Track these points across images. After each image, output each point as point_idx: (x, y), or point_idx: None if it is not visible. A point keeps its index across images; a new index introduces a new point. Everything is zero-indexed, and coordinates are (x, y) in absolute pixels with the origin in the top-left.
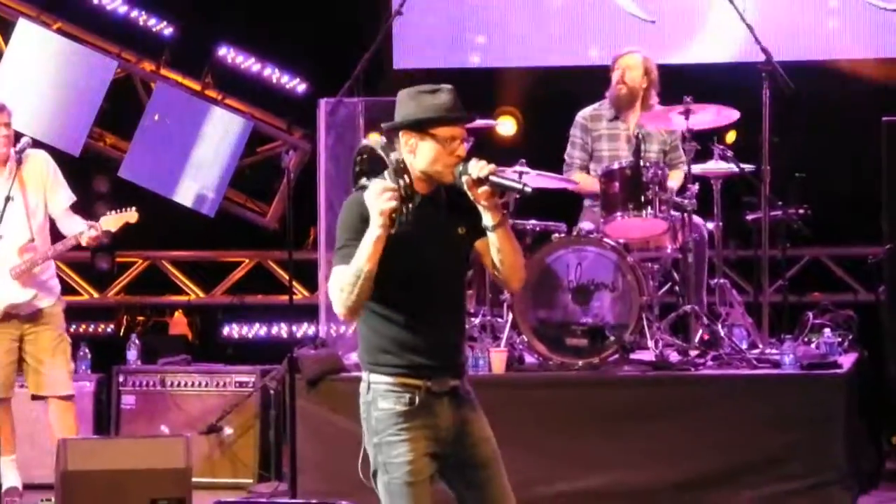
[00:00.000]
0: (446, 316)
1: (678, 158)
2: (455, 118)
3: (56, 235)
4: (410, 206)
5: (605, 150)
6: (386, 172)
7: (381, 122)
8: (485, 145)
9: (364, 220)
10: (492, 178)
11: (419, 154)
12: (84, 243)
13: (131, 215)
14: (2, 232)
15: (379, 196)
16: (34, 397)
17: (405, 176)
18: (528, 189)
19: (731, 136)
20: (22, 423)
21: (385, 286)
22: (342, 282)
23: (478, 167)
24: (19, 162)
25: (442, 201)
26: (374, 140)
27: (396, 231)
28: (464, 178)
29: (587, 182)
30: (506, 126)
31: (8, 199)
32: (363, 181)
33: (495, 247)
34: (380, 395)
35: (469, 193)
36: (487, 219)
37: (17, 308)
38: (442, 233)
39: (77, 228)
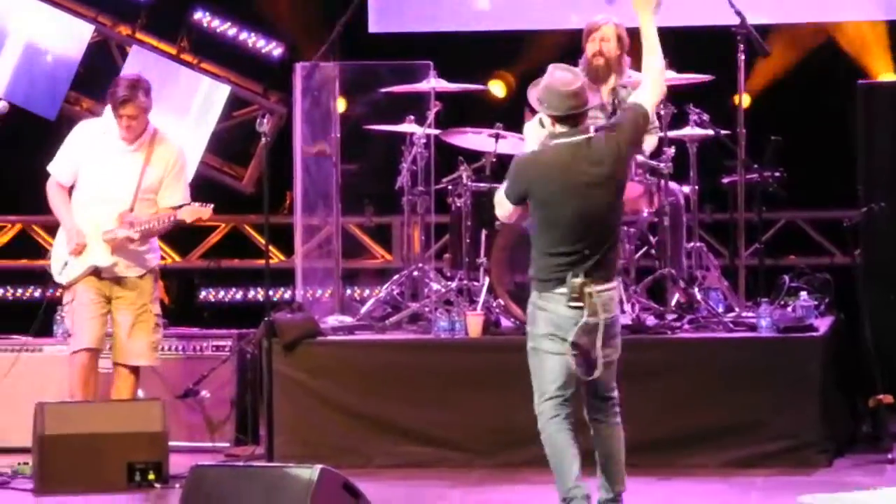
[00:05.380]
0: None
1: (652, 124)
2: None
3: None
4: None
5: None
6: None
7: (356, 86)
8: (476, 108)
9: None
10: None
11: None
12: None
13: (206, 211)
14: (108, 195)
15: None
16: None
17: None
18: None
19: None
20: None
21: None
22: None
23: None
24: (153, 141)
25: None
26: None
27: None
28: None
29: None
30: (496, 89)
31: None
32: None
33: None
34: None
35: None
36: None
37: (101, 270)
38: None
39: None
